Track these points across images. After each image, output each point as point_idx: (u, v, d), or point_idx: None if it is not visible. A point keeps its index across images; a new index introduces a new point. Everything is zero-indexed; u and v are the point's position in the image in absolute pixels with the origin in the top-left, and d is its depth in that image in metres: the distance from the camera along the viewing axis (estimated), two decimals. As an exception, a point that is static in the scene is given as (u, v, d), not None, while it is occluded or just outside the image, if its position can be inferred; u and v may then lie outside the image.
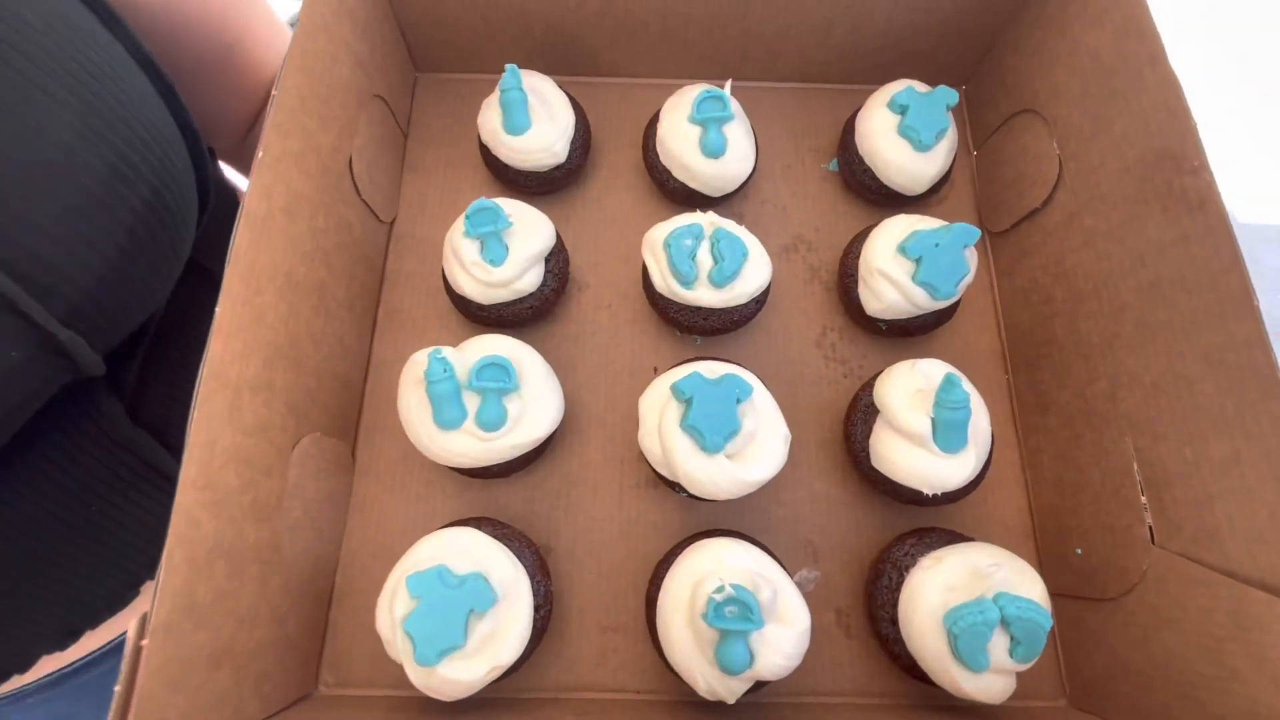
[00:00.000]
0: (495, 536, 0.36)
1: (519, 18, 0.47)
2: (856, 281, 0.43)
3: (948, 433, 0.35)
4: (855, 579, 0.40)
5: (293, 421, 0.35)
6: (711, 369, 0.37)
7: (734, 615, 0.32)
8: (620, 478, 0.42)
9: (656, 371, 0.45)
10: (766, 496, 0.42)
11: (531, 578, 0.35)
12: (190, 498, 0.27)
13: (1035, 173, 0.43)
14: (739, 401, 0.36)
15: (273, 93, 0.32)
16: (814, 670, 0.39)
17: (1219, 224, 0.31)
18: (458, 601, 0.32)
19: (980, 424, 0.36)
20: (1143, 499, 0.34)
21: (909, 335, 0.44)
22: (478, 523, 0.37)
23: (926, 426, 0.35)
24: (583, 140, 0.47)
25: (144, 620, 0.25)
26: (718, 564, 0.34)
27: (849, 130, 0.47)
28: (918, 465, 0.35)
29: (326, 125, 0.38)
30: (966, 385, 0.35)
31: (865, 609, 0.39)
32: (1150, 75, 0.35)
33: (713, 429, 0.34)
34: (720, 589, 0.32)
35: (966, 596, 0.33)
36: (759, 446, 0.36)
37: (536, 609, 0.35)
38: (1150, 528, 0.34)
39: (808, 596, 0.36)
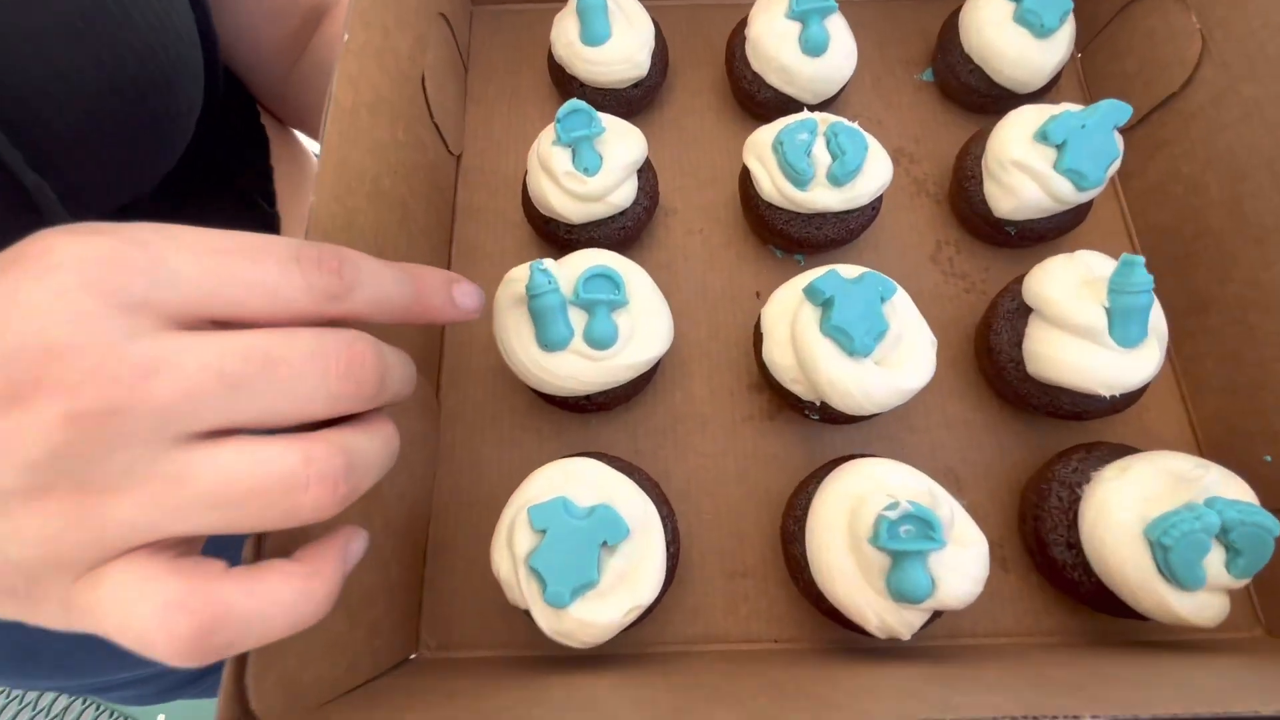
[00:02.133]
0: (616, 469, 0.32)
1: (587, -71, 0.43)
2: (978, 183, 0.39)
3: (1127, 322, 0.31)
4: (1007, 508, 0.36)
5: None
6: (843, 271, 0.33)
7: (910, 535, 0.27)
8: (731, 410, 0.38)
9: (759, 297, 0.41)
10: (898, 422, 0.38)
11: (659, 511, 0.31)
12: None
13: (1168, 55, 0.39)
14: (882, 301, 0.32)
15: (357, -30, 0.29)
16: (972, 610, 0.34)
17: None
18: (588, 533, 0.28)
19: (1157, 316, 0.32)
20: (1360, 384, 0.30)
21: (1039, 241, 0.40)
22: (592, 457, 0.33)
23: (1101, 318, 0.31)
24: (661, 56, 0.43)
25: (258, 546, 0.21)
26: (878, 483, 0.30)
27: (949, 31, 0.44)
28: (1092, 363, 0.31)
29: (403, 28, 0.34)
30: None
31: (1026, 538, 0.34)
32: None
33: (860, 329, 0.30)
34: (893, 506, 0.27)
35: (1169, 505, 0.28)
36: (907, 350, 0.32)
37: (667, 545, 0.31)
38: (1373, 416, 0.29)
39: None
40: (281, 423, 0.18)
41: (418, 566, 0.35)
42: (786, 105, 0.42)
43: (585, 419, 0.38)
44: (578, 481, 0.30)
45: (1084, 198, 0.36)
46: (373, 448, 0.20)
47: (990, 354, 0.36)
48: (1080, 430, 0.37)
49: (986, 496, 0.36)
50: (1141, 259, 0.30)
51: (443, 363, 0.39)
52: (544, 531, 0.28)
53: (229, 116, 0.43)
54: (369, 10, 0.30)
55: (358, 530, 0.22)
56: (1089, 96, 0.46)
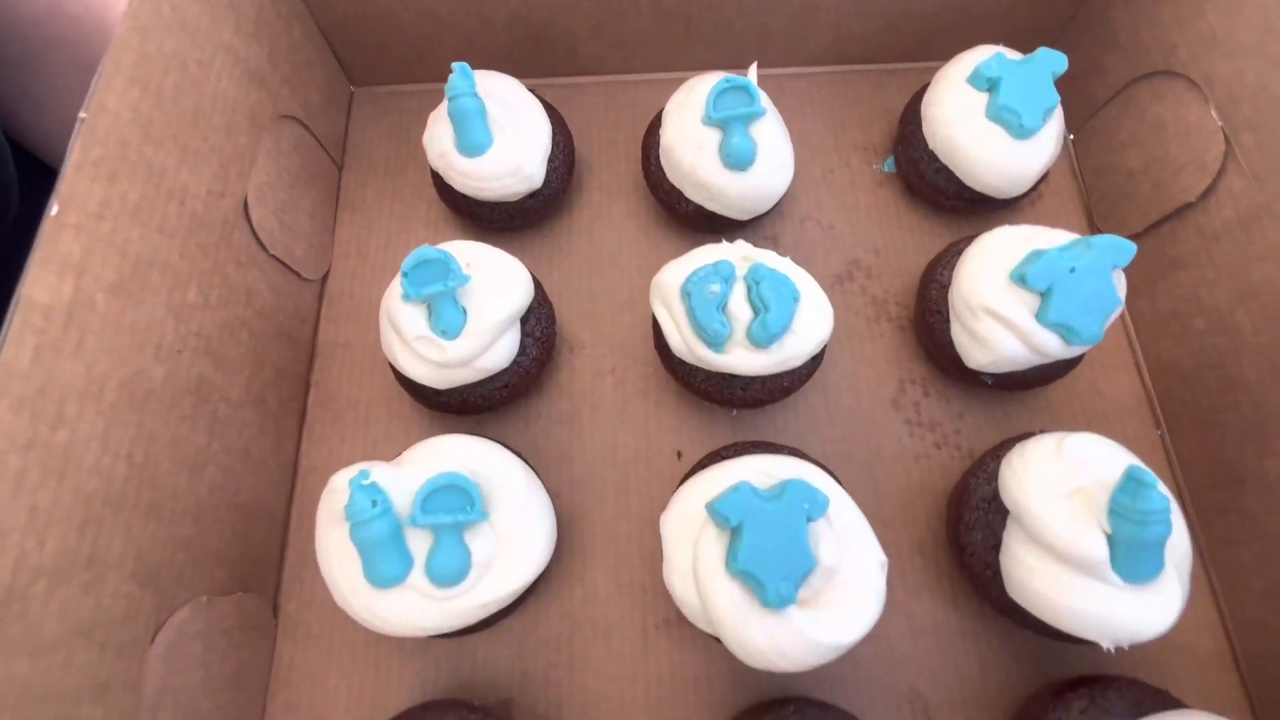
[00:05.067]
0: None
1: (475, 8, 0.36)
2: (945, 321, 0.31)
3: (1135, 556, 0.23)
4: (988, 750, 0.28)
5: (149, 598, 0.23)
6: (764, 469, 0.25)
7: None
8: (642, 613, 0.31)
9: (681, 457, 0.33)
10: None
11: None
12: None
13: (1183, 155, 0.32)
14: (810, 520, 0.24)
15: (79, 116, 0.21)
16: None
17: None
18: None
19: (1179, 537, 0.24)
20: None
21: (1024, 389, 0.32)
22: (440, 716, 0.25)
23: (1100, 547, 0.23)
24: (564, 157, 0.36)
25: None
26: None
27: (910, 119, 0.36)
28: (1089, 606, 0.23)
29: (196, 159, 0.27)
30: (1160, 484, 0.23)
31: (1012, 803, 0.27)
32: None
33: (775, 572, 0.23)
34: None
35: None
36: (844, 587, 0.24)
37: None
38: None
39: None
40: None
41: None
42: (713, 220, 0.34)
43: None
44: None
45: (1075, 353, 0.28)
46: None
47: (962, 552, 0.28)
48: (1085, 651, 0.29)
49: (962, 734, 0.29)
50: (1154, 479, 0.22)
51: (285, 555, 0.32)
52: None
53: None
54: (111, 157, 0.23)
55: None
56: (1084, 190, 0.38)
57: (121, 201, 0.23)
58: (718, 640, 0.26)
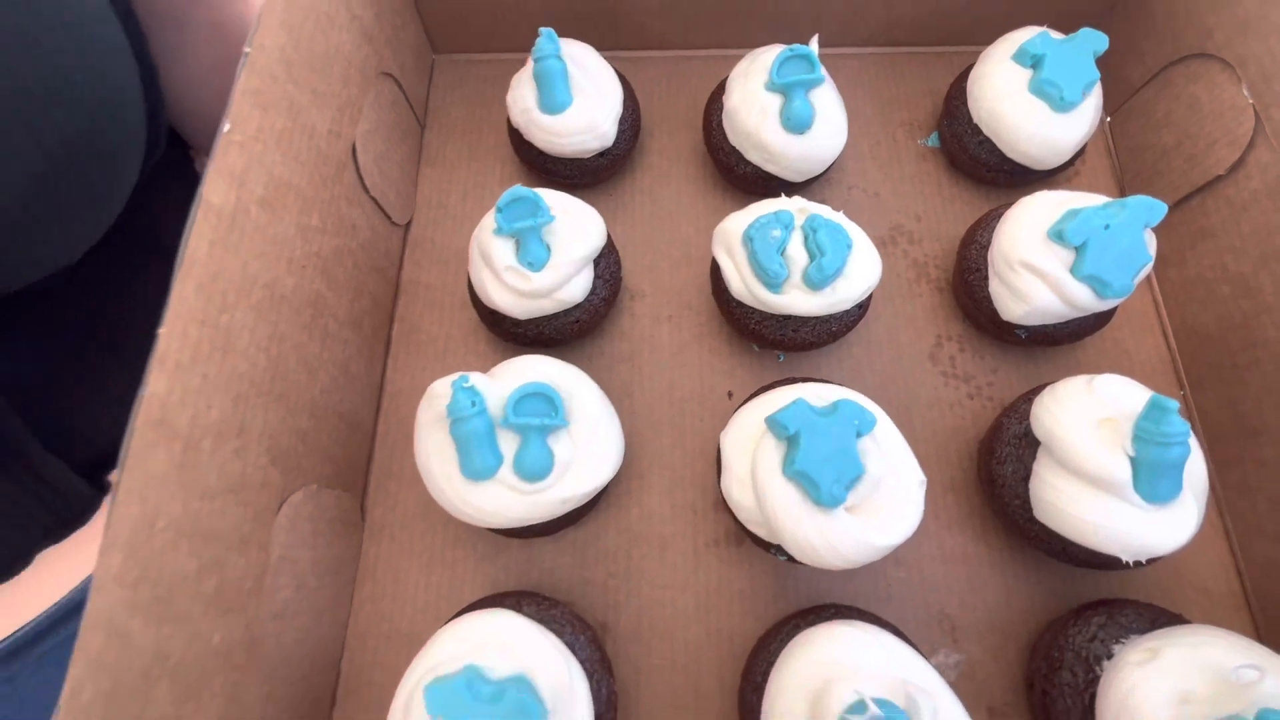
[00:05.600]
0: (540, 620, 0.27)
1: (553, -19, 0.39)
2: (983, 278, 0.34)
3: (1156, 477, 0.25)
4: (1012, 667, 0.31)
5: (278, 475, 0.27)
6: (817, 394, 0.28)
7: (880, 745, 0.22)
8: (694, 532, 0.34)
9: (731, 397, 0.36)
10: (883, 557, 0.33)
11: (590, 675, 0.27)
12: (112, 599, 0.19)
13: (1215, 131, 0.34)
14: (859, 436, 0.27)
15: (244, 50, 0.25)
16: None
17: None
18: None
19: (1196, 464, 0.27)
20: None
21: (1054, 344, 0.34)
22: (517, 601, 0.29)
23: (1124, 468, 0.26)
24: (632, 120, 0.39)
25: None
26: (845, 667, 0.25)
27: (956, 95, 0.39)
28: (1112, 522, 0.26)
29: (321, 101, 0.30)
30: (1180, 408, 0.26)
31: (1034, 714, 0.29)
32: None
33: (829, 475, 0.26)
34: (859, 708, 0.22)
35: (1212, 713, 0.23)
36: (888, 497, 0.27)
37: (598, 718, 0.26)
38: None
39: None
40: None
41: (323, 716, 0.30)
42: (768, 180, 0.37)
43: (526, 539, 0.34)
44: (491, 645, 0.25)
45: (1106, 305, 0.31)
46: None
47: (993, 485, 0.31)
48: (1096, 575, 0.31)
49: (988, 652, 0.31)
50: (1175, 404, 0.25)
51: (372, 465, 0.35)
52: (441, 718, 0.23)
53: (166, 177, 0.40)
54: (266, 90, 0.26)
55: None
56: (1118, 168, 0.40)
57: (270, 129, 0.26)
58: (767, 548, 0.29)
